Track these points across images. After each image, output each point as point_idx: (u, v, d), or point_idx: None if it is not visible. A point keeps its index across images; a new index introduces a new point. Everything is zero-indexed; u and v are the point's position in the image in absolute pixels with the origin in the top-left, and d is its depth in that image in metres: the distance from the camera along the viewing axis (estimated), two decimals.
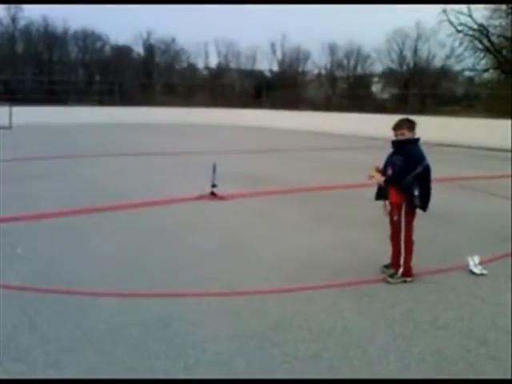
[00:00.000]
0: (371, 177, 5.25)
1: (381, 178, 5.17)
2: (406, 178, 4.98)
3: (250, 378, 3.19)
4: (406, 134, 5.09)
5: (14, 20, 46.90)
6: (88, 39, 50.64)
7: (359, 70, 49.98)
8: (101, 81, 50.15)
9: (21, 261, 5.47)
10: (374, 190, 5.43)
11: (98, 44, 51.51)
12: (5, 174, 11.56)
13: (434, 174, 5.13)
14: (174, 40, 52.29)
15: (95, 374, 3.24)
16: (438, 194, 5.66)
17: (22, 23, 47.61)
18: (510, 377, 3.27)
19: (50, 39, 48.68)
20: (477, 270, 5.41)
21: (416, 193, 5.00)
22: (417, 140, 5.16)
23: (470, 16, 36.96)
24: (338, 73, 50.95)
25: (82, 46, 50.82)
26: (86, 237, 6.57)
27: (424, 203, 5.08)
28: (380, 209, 5.41)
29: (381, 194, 5.33)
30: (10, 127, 26.27)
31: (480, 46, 38.73)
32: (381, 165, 5.29)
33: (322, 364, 3.46)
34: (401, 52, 45.27)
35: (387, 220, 5.32)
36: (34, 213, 7.55)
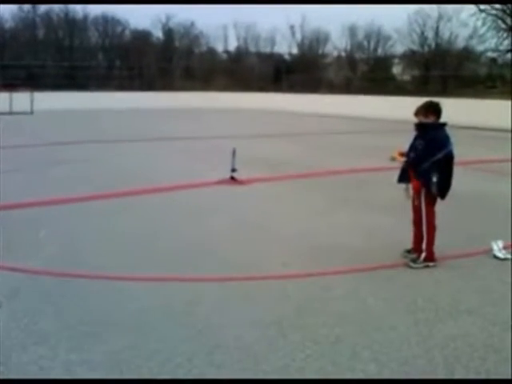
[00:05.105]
0: (393, 159, 5.19)
1: (402, 160, 5.10)
2: (424, 163, 4.91)
3: (251, 378, 3.15)
4: (430, 118, 4.98)
5: (34, 5, 47.08)
6: (108, 24, 50.67)
7: (380, 52, 49.24)
8: (121, 66, 50.29)
9: (45, 245, 5.53)
10: (395, 174, 5.36)
11: (118, 29, 51.53)
12: (28, 159, 11.69)
13: (455, 158, 5.03)
14: (193, 24, 52.06)
15: (118, 358, 3.27)
16: (461, 177, 5.58)
17: (42, 9, 47.86)
18: (510, 377, 3.20)
19: (71, 25, 48.82)
20: (501, 255, 5.34)
21: (434, 179, 4.91)
22: (442, 125, 5.04)
23: None
24: (358, 55, 50.29)
25: (102, 31, 50.90)
26: (109, 221, 6.63)
27: (442, 191, 4.99)
28: (402, 192, 5.35)
29: (403, 177, 5.26)
30: (31, 113, 26.54)
31: (503, 25, 37.77)
32: (404, 148, 5.21)
33: (344, 349, 3.44)
34: (422, 33, 44.38)
35: (409, 204, 5.26)
36: (57, 197, 7.62)
